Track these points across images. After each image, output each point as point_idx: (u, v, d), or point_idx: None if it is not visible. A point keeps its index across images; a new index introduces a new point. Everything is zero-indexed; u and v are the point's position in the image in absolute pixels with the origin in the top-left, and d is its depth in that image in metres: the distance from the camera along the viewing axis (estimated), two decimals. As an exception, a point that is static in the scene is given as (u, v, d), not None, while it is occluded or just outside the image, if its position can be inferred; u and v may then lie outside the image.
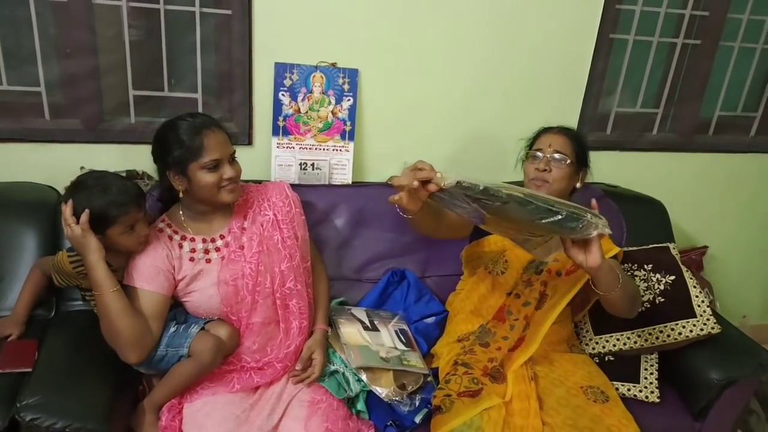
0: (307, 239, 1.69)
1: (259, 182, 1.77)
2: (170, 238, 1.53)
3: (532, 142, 1.73)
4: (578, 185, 1.71)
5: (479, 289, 1.79)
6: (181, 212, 1.57)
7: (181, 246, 1.53)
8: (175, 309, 1.53)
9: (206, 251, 1.55)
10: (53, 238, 1.74)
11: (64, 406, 1.32)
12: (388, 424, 1.58)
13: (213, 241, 1.56)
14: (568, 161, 1.64)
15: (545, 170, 1.63)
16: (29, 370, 1.43)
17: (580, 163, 1.68)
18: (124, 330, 1.39)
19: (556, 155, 1.64)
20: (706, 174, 2.56)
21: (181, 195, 1.52)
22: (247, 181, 1.72)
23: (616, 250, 1.67)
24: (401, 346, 1.74)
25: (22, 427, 1.32)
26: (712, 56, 2.39)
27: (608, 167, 2.37)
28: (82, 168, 1.89)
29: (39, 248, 1.72)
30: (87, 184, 1.43)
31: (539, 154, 1.66)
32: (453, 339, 1.78)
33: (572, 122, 2.30)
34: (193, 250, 1.54)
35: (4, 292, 1.68)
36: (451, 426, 1.45)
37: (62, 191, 1.89)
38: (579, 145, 1.68)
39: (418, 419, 1.61)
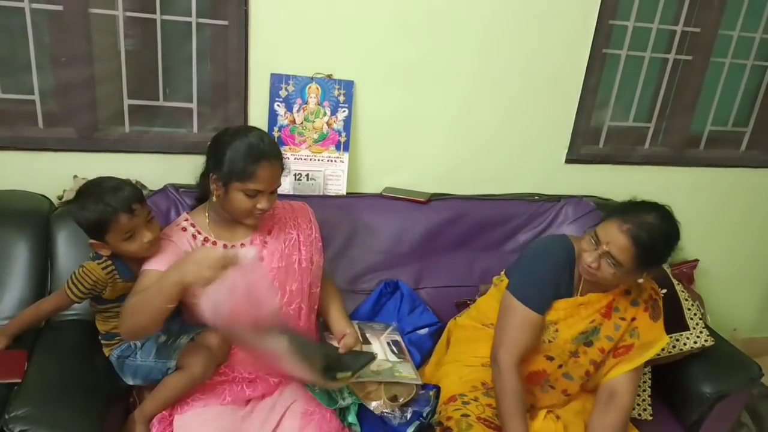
0: (321, 265, 1.70)
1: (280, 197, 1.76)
2: (194, 237, 1.53)
3: (605, 218, 1.48)
4: (641, 281, 1.50)
5: None
6: (207, 214, 1.56)
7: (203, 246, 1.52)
8: (171, 320, 1.52)
9: None
10: (45, 246, 1.73)
11: (54, 417, 1.31)
12: (381, 436, 1.58)
13: (233, 248, 1.55)
14: (622, 269, 1.42)
15: (593, 266, 1.45)
16: (18, 380, 1.41)
17: (645, 267, 1.45)
18: (145, 330, 1.37)
19: (609, 258, 1.42)
20: (697, 188, 2.58)
21: (214, 199, 1.52)
22: None
23: (665, 340, 1.58)
24: (393, 358, 1.73)
25: (10, 439, 1.31)
26: (703, 72, 2.42)
27: (601, 180, 2.40)
28: (75, 177, 1.89)
29: (31, 257, 1.70)
30: (83, 193, 1.44)
31: (595, 242, 1.45)
32: (473, 361, 1.69)
33: (565, 136, 2.32)
34: None
35: (-4, 300, 1.66)
36: None
37: (55, 200, 1.89)
38: (647, 252, 1.40)
39: (410, 431, 1.60)
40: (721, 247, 2.70)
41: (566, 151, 2.34)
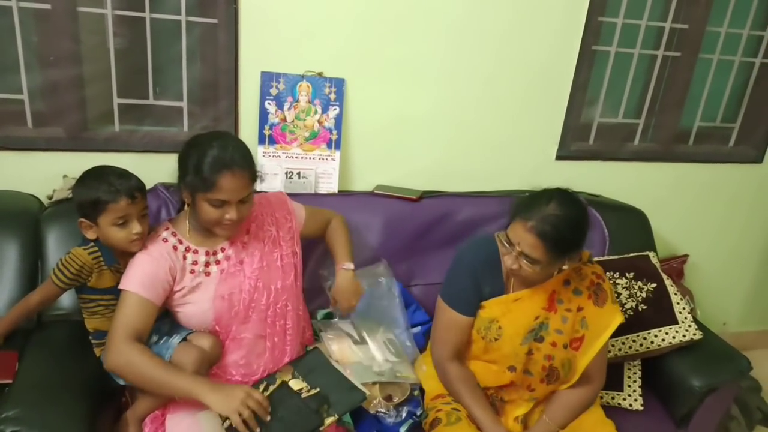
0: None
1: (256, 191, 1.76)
2: (175, 248, 1.51)
3: (511, 218, 1.48)
4: (565, 267, 1.49)
5: (473, 348, 1.66)
6: (187, 221, 1.55)
7: (185, 257, 1.51)
8: (160, 320, 1.52)
9: (207, 264, 1.53)
10: (35, 247, 1.72)
11: (46, 418, 1.31)
12: (374, 433, 1.59)
13: (215, 253, 1.55)
14: (540, 264, 1.43)
15: (513, 268, 1.47)
16: (9, 381, 1.41)
17: (562, 255, 1.45)
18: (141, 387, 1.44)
19: (524, 259, 1.43)
20: (687, 183, 2.60)
21: (186, 206, 1.52)
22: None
23: (618, 320, 1.56)
24: (392, 358, 1.73)
25: (2, 441, 1.31)
26: (691, 68, 2.43)
27: (590, 177, 2.41)
28: (65, 176, 1.88)
29: (21, 258, 1.70)
30: (89, 173, 1.48)
31: (509, 244, 1.46)
32: None
33: (555, 133, 2.33)
34: (195, 263, 1.52)
35: (-15, 302, 1.66)
36: None
37: (45, 200, 1.88)
38: (556, 244, 1.41)
39: (403, 430, 1.61)
40: (710, 242, 2.72)
41: (556, 147, 2.35)
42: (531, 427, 1.60)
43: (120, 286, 1.44)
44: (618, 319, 1.55)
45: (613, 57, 2.34)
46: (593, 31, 2.24)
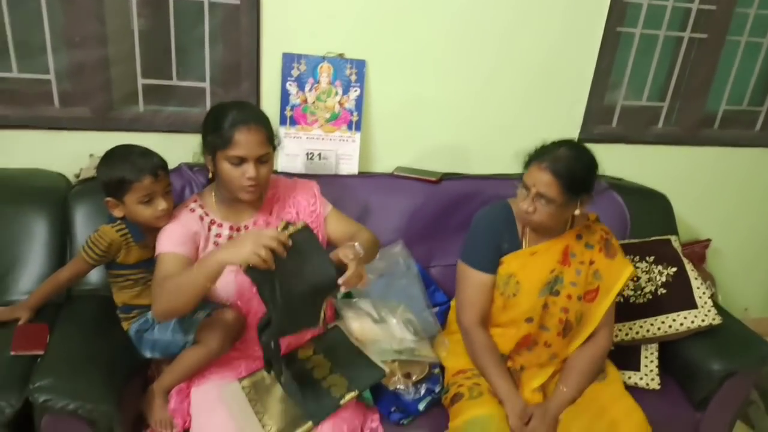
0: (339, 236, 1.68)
1: (291, 176, 1.77)
2: (201, 218, 1.55)
3: (526, 165, 1.57)
4: (577, 212, 1.56)
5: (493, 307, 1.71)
6: (213, 194, 1.58)
7: (209, 229, 1.54)
8: None
9: (230, 238, 1.55)
10: (63, 224, 1.77)
11: (76, 388, 1.36)
12: (392, 410, 1.61)
13: (238, 230, 1.57)
14: (555, 204, 1.51)
15: (529, 211, 1.53)
16: (41, 353, 1.46)
17: (575, 195, 1.53)
18: (183, 309, 1.40)
19: (540, 198, 1.51)
20: (711, 168, 2.57)
21: (210, 176, 1.54)
22: (276, 173, 1.74)
23: (629, 270, 1.63)
24: (411, 337, 1.75)
25: (35, 408, 1.36)
26: (718, 50, 2.39)
27: (613, 160, 2.34)
28: (91, 155, 1.92)
29: (49, 234, 1.75)
30: (113, 153, 1.52)
31: (525, 189, 1.54)
32: None
33: (578, 115, 2.31)
34: (218, 236, 1.55)
35: (15, 278, 1.71)
36: (475, 413, 1.49)
37: (72, 178, 1.92)
38: (570, 180, 1.50)
39: (422, 407, 1.64)
40: (734, 228, 2.69)
41: (579, 130, 2.33)
42: (549, 398, 1.63)
43: (156, 253, 1.47)
44: (629, 270, 1.62)
45: (638, 39, 2.31)
46: (618, 13, 2.21)
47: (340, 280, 1.34)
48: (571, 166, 1.50)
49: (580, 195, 1.54)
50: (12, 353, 1.45)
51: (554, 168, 1.49)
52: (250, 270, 1.28)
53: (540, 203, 1.52)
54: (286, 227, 1.34)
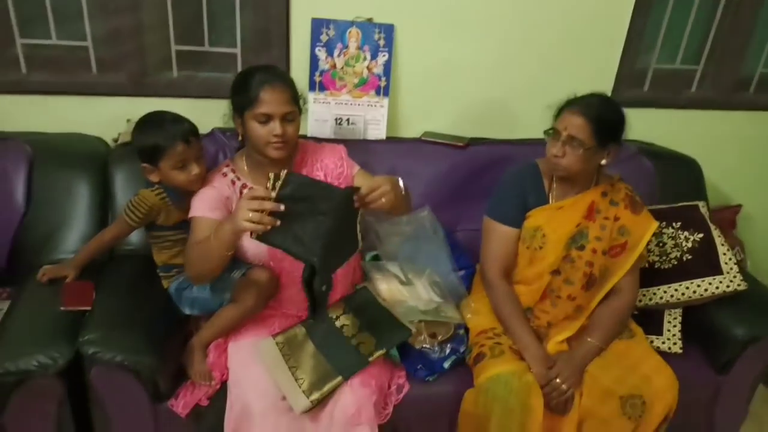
0: None
1: (319, 141, 1.81)
2: (233, 182, 1.60)
3: (558, 115, 1.63)
4: (604, 162, 1.62)
5: (518, 262, 1.76)
6: (244, 159, 1.63)
7: (241, 192, 1.60)
8: None
9: None
10: (104, 186, 1.84)
11: (123, 341, 1.45)
12: (419, 367, 1.68)
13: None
14: (585, 147, 1.55)
15: (558, 156, 1.58)
16: (88, 308, 1.55)
17: (604, 141, 1.58)
18: (210, 274, 1.47)
19: (572, 141, 1.56)
20: (745, 132, 2.52)
21: (240, 139, 1.59)
22: (305, 137, 1.78)
23: (653, 225, 1.68)
24: (437, 298, 1.80)
25: (84, 360, 1.45)
26: (755, 12, 2.32)
27: (644, 124, 2.34)
28: (128, 120, 1.98)
29: (91, 196, 1.83)
30: (146, 121, 1.58)
31: (556, 134, 1.59)
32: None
33: (609, 79, 2.28)
34: None
35: (61, 238, 1.80)
36: (497, 371, 1.55)
37: (110, 142, 1.99)
38: (601, 124, 1.56)
39: (446, 365, 1.69)
40: (765, 193, 2.65)
41: (609, 94, 2.28)
42: (574, 347, 1.67)
43: (189, 215, 1.54)
44: (653, 225, 1.67)
45: (672, 1, 2.25)
46: (653, -27, 2.16)
47: (356, 196, 1.36)
48: (602, 112, 1.57)
49: (609, 144, 1.59)
50: (62, 308, 1.54)
51: (586, 112, 1.56)
52: (260, 237, 1.30)
53: (570, 147, 1.56)
54: (275, 183, 1.30)
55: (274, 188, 1.29)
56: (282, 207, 1.28)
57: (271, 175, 1.31)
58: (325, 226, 1.32)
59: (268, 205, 1.28)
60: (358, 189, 1.37)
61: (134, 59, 2.00)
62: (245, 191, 1.59)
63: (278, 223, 1.28)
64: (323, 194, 1.33)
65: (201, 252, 1.44)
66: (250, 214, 1.27)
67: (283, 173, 1.31)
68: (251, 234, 1.31)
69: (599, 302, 1.70)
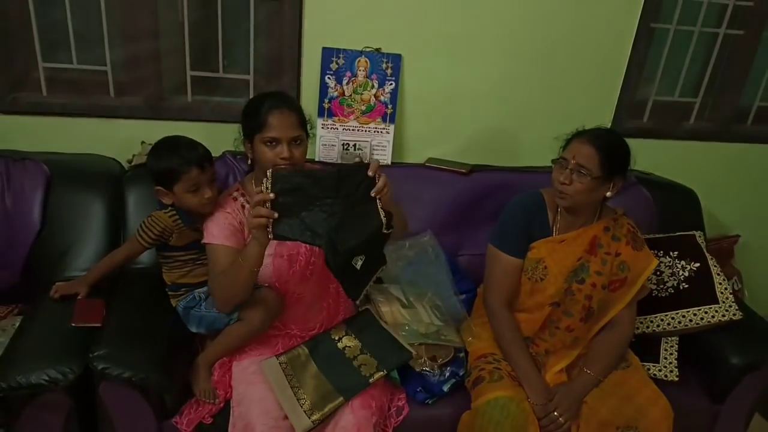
0: None
1: (325, 164, 1.86)
2: (243, 206, 1.65)
3: (566, 145, 1.67)
4: (608, 194, 1.64)
5: (520, 291, 1.78)
6: (253, 181, 1.68)
7: None
8: None
9: None
10: (118, 206, 1.90)
11: (132, 358, 1.49)
12: (418, 390, 1.71)
13: None
14: (592, 176, 1.58)
15: (565, 183, 1.60)
16: (99, 325, 1.59)
17: (610, 173, 1.61)
18: (241, 295, 1.53)
19: (580, 169, 1.58)
20: (743, 163, 2.56)
21: (249, 162, 1.64)
22: (313, 161, 1.83)
23: (653, 263, 1.72)
24: (438, 322, 1.83)
25: (94, 375, 1.49)
26: (754, 47, 2.38)
27: (644, 155, 2.35)
28: (143, 143, 2.04)
29: (104, 216, 1.88)
30: (161, 145, 1.62)
31: (563, 162, 1.63)
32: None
33: (609, 109, 2.34)
34: None
35: (74, 256, 1.85)
36: (496, 395, 1.57)
37: (125, 164, 2.05)
38: (609, 155, 1.59)
39: (446, 388, 1.72)
40: (763, 223, 2.68)
41: (610, 125, 2.35)
42: (573, 378, 1.70)
43: (205, 241, 1.58)
44: (653, 263, 1.71)
45: (672, 35, 2.31)
46: (653, 8, 2.22)
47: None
48: (610, 143, 1.62)
49: (614, 176, 1.62)
50: (73, 324, 1.58)
51: (596, 142, 1.59)
52: (275, 235, 1.37)
53: (577, 175, 1.59)
54: (267, 184, 1.38)
55: (267, 189, 1.38)
56: (272, 195, 1.36)
57: (264, 180, 1.38)
58: (331, 210, 1.39)
59: (266, 197, 1.36)
60: (361, 164, 1.44)
61: (151, 84, 2.08)
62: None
63: (276, 215, 1.36)
64: (311, 181, 1.40)
65: (231, 278, 1.49)
66: (257, 210, 1.36)
67: (269, 173, 1.38)
68: (269, 234, 1.38)
69: (597, 333, 1.73)
